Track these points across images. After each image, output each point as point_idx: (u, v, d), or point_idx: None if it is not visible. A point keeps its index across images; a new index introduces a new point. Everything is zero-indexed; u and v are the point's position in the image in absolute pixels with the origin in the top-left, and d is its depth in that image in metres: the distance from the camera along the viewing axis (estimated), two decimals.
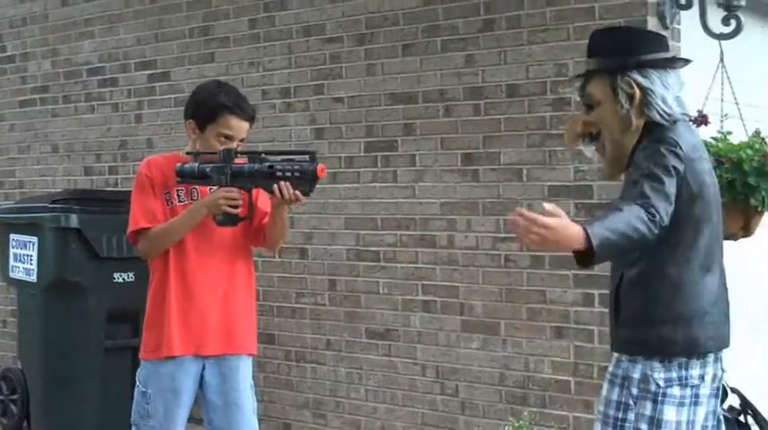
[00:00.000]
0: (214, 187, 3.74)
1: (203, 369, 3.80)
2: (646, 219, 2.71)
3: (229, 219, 3.71)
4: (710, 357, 2.97)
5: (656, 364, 2.90)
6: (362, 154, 5.70)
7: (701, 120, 4.65)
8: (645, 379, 2.91)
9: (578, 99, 3.11)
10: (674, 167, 2.82)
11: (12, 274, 5.99)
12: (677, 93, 2.98)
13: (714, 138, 4.58)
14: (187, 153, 3.81)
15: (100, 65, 6.92)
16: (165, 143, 6.37)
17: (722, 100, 4.74)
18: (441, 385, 5.43)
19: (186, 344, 3.75)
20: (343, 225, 5.78)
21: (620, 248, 2.71)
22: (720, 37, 4.79)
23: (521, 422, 4.90)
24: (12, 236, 5.95)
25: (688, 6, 4.82)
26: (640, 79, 2.93)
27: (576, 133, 3.08)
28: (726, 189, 4.40)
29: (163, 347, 3.75)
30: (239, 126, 3.80)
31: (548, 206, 2.63)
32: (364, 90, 5.69)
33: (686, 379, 2.93)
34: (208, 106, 3.78)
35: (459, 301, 5.35)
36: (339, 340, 5.81)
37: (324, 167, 3.59)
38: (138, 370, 3.87)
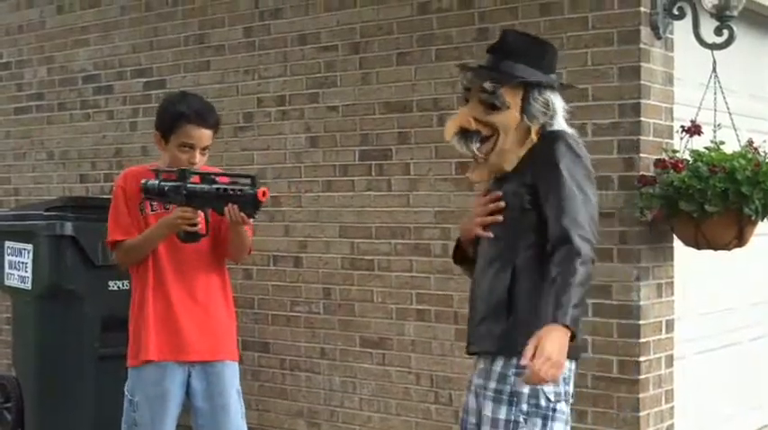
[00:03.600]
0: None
1: (189, 376, 3.83)
2: (590, 258, 2.81)
3: (190, 237, 3.80)
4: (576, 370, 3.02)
5: None
6: (357, 162, 5.71)
7: (694, 129, 4.67)
8: (534, 393, 2.88)
9: (481, 91, 3.04)
10: (592, 173, 2.99)
11: (6, 282, 5.98)
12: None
13: (707, 148, 4.60)
14: (151, 170, 3.86)
15: (95, 72, 6.92)
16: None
17: (715, 110, 4.76)
18: (435, 394, 5.44)
19: (164, 349, 3.79)
20: (338, 233, 5.78)
21: (585, 305, 2.84)
22: (713, 47, 4.80)
23: None
24: (6, 243, 5.95)
25: (681, 16, 4.84)
26: (552, 97, 3.05)
27: (466, 128, 3.06)
28: (719, 198, 4.42)
29: (141, 353, 3.81)
30: (200, 135, 3.81)
31: (523, 361, 2.70)
32: (359, 99, 5.70)
33: (567, 394, 2.95)
34: (168, 116, 3.83)
35: (453, 310, 5.35)
36: (333, 349, 5.81)
37: (266, 191, 3.63)
38: (127, 380, 3.90)
